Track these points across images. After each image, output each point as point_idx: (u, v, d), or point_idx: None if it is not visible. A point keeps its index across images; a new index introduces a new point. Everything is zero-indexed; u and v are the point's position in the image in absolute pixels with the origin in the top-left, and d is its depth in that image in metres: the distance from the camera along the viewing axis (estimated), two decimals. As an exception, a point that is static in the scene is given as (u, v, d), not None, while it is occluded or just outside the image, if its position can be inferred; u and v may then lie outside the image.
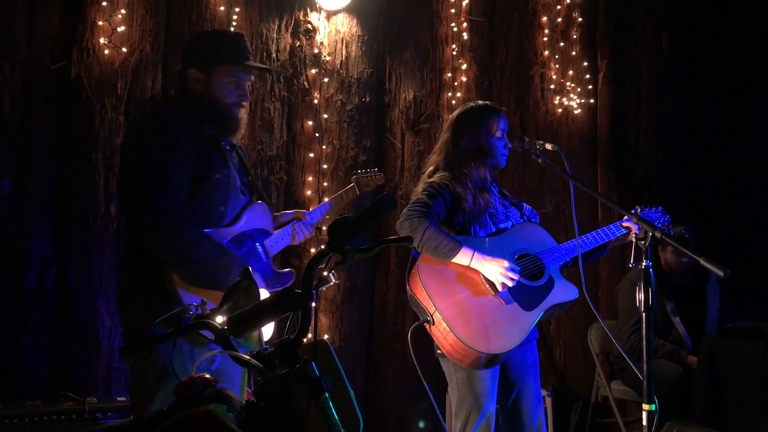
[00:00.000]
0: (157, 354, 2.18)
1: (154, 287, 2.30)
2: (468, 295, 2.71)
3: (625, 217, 2.79)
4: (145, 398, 2.25)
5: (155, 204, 2.28)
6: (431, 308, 2.68)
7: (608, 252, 3.05)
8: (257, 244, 2.57)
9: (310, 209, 3.07)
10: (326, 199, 3.17)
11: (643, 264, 2.30)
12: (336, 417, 1.46)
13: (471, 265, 2.69)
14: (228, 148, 2.54)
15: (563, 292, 2.81)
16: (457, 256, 2.67)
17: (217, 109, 2.46)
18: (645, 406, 2.26)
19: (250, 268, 1.76)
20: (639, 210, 2.97)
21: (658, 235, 2.30)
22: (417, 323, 2.77)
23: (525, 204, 3.13)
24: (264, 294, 2.36)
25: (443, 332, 2.67)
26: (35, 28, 3.71)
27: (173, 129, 2.37)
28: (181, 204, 2.32)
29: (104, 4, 3.79)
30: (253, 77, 2.60)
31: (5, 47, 3.59)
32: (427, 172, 2.96)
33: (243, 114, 2.54)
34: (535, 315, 2.73)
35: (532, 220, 3.07)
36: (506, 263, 2.67)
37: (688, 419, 3.67)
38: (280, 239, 2.68)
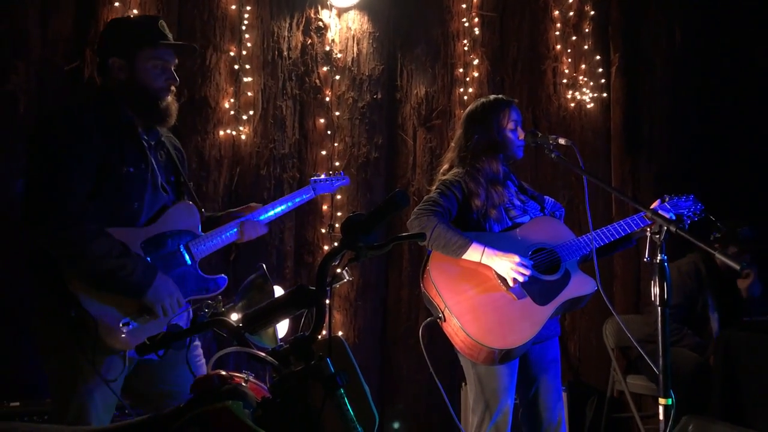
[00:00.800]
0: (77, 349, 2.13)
1: (54, 289, 2.17)
2: (479, 291, 2.70)
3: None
4: (66, 391, 2.18)
5: (50, 196, 2.12)
6: (442, 305, 2.68)
7: (634, 243, 2.99)
8: (180, 245, 2.38)
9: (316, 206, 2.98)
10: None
11: (658, 258, 2.27)
12: (352, 413, 1.47)
13: (482, 261, 2.68)
14: (153, 143, 2.41)
15: (580, 285, 2.77)
16: (468, 252, 2.67)
17: (145, 95, 2.33)
18: (662, 401, 2.24)
19: (264, 266, 1.77)
20: (668, 199, 2.93)
21: (673, 229, 2.28)
22: (428, 320, 2.77)
23: (547, 197, 3.09)
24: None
25: (455, 329, 2.66)
26: (48, 29, 3.74)
27: (76, 119, 2.22)
28: (78, 196, 2.16)
29: (117, 4, 3.81)
30: (177, 60, 2.43)
31: (20, 48, 3.62)
32: (441, 170, 2.96)
33: (171, 99, 2.40)
34: (550, 310, 2.71)
35: (556, 213, 3.03)
36: (517, 258, 2.65)
37: (706, 413, 3.65)
38: (208, 240, 2.46)
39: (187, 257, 2.39)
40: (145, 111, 2.35)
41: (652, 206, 2.90)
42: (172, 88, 2.40)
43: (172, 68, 2.39)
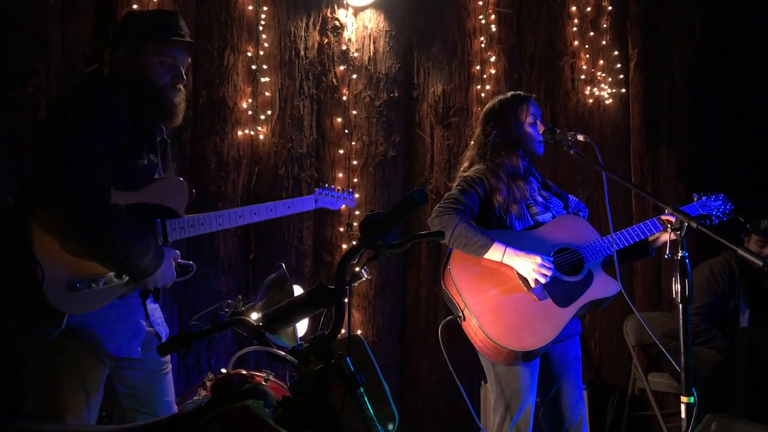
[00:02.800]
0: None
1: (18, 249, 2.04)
2: (499, 291, 2.68)
3: (666, 211, 2.70)
4: (47, 393, 2.11)
5: (82, 170, 2.02)
6: (461, 304, 2.67)
7: (653, 254, 2.94)
8: (157, 221, 2.26)
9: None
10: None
11: (680, 255, 2.25)
12: (371, 412, 1.47)
13: (503, 261, 2.65)
14: (159, 139, 2.35)
15: (602, 287, 2.73)
16: (489, 252, 2.65)
17: (149, 91, 2.24)
18: (683, 399, 2.21)
19: (284, 266, 1.78)
20: (697, 198, 2.89)
21: (694, 225, 2.25)
22: (447, 318, 2.76)
23: (572, 196, 3.06)
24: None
25: (474, 329, 2.65)
26: (68, 32, 3.78)
27: (110, 100, 2.14)
28: (107, 173, 2.09)
29: (135, 6, 3.84)
30: (188, 58, 2.35)
31: (40, 52, 3.66)
32: (462, 168, 2.95)
33: (179, 98, 2.31)
34: (571, 311, 2.68)
35: (580, 214, 2.99)
36: (539, 259, 2.62)
37: (729, 411, 3.61)
38: (187, 225, 2.33)
39: (160, 236, 2.28)
40: (148, 106, 2.27)
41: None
42: (179, 86, 2.32)
43: (182, 67, 2.31)
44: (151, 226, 2.25)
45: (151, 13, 2.53)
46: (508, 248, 2.64)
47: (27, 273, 2.03)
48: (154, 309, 2.35)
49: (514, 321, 2.63)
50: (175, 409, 2.39)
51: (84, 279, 2.09)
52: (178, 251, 2.31)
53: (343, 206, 3.11)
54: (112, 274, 2.14)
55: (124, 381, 2.28)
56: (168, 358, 2.38)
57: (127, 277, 2.16)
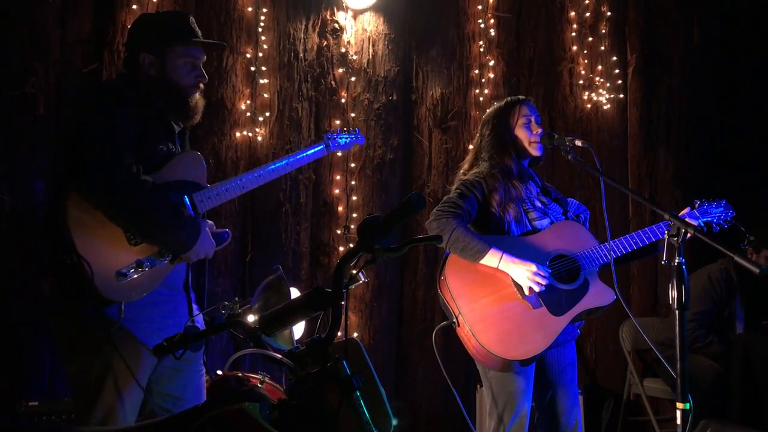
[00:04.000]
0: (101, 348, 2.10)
1: (58, 245, 2.09)
2: (494, 299, 2.66)
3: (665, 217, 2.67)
4: (93, 392, 2.13)
5: (110, 154, 2.08)
6: (456, 311, 2.66)
7: (660, 251, 2.92)
8: (184, 197, 2.32)
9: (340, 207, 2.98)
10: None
11: (676, 261, 2.24)
12: (367, 415, 1.47)
13: (499, 267, 2.64)
14: (178, 130, 2.42)
15: (598, 296, 2.72)
16: (485, 257, 2.64)
17: (175, 92, 2.34)
18: (679, 405, 2.21)
19: (281, 268, 1.78)
20: (698, 204, 2.86)
21: (690, 231, 2.25)
22: (442, 324, 2.76)
23: (572, 200, 3.04)
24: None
25: (467, 335, 2.65)
26: (68, 31, 3.78)
27: (118, 91, 2.22)
28: (132, 154, 2.15)
29: (134, 6, 3.85)
30: (205, 57, 2.44)
31: (39, 51, 3.66)
32: (462, 171, 2.95)
33: (199, 96, 2.41)
34: (565, 320, 2.66)
35: (580, 216, 2.98)
36: (533, 267, 2.61)
37: (725, 418, 3.61)
38: (213, 194, 2.40)
39: (189, 209, 2.34)
40: (174, 107, 2.35)
41: (682, 213, 2.84)
42: (201, 85, 2.41)
43: (201, 65, 2.40)
44: (180, 201, 2.30)
45: (167, 16, 2.60)
46: (504, 255, 2.63)
47: (76, 273, 2.08)
48: (197, 316, 2.38)
49: (507, 329, 2.62)
50: None
51: (129, 265, 2.15)
52: (211, 221, 2.38)
53: (355, 146, 3.19)
54: (154, 255, 2.19)
55: (160, 381, 2.30)
56: (203, 360, 2.42)
57: (170, 255, 2.22)
